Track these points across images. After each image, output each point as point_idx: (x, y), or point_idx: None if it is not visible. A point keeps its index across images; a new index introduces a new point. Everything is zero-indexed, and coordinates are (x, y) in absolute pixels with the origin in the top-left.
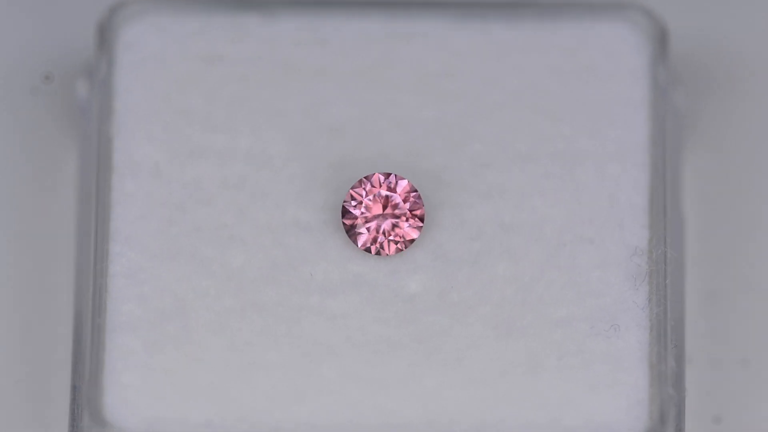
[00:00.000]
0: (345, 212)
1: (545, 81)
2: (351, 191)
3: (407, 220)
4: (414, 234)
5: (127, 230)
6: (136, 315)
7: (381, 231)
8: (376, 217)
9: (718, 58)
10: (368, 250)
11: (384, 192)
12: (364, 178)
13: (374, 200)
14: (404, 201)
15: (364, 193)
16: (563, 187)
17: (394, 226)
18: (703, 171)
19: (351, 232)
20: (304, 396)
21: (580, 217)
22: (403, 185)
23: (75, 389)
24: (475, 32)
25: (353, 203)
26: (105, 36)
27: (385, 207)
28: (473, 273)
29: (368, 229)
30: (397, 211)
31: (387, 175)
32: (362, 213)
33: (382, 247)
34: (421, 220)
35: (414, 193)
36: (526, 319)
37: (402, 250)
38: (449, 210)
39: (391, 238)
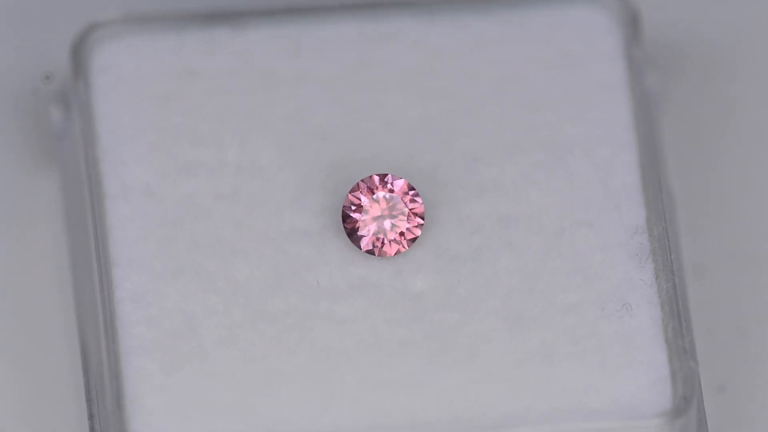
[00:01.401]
0: (345, 217)
1: (524, 71)
2: (349, 195)
3: (408, 219)
4: (416, 232)
5: (128, 253)
6: (148, 338)
7: (382, 232)
8: (376, 218)
9: (687, 38)
10: (371, 252)
11: (383, 193)
12: (361, 181)
13: (373, 202)
14: (403, 200)
15: (362, 196)
16: (555, 175)
17: (394, 225)
18: (681, 149)
19: (353, 235)
20: (327, 403)
21: (576, 203)
22: (400, 185)
23: (92, 418)
24: (447, 28)
25: (353, 207)
26: (79, 61)
27: (384, 208)
28: (477, 267)
29: (369, 231)
30: (395, 211)
31: (384, 176)
32: (362, 216)
33: (389, 248)
34: (422, 218)
35: (412, 192)
36: (536, 308)
37: (405, 249)
38: (446, 207)
39: (392, 238)
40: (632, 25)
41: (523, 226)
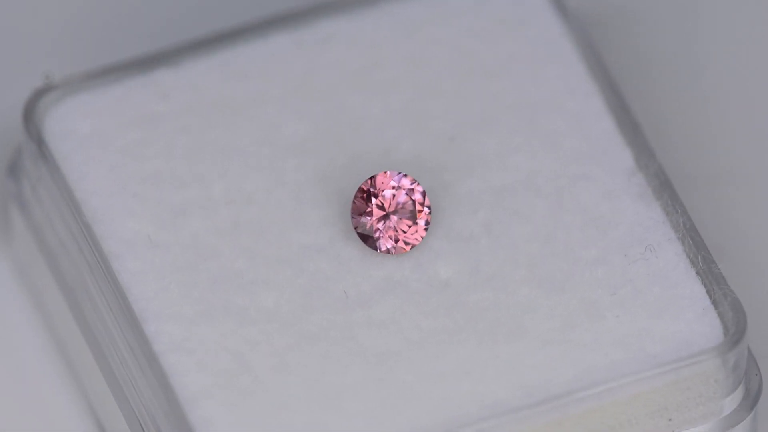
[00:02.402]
0: (356, 223)
1: (464, 44)
2: (355, 200)
3: (416, 210)
4: (427, 220)
5: (153, 307)
6: (204, 383)
7: (395, 229)
8: (385, 217)
9: None
10: (388, 251)
11: (389, 191)
12: (362, 185)
13: (378, 202)
14: (406, 193)
15: (366, 200)
16: (533, 137)
17: (403, 220)
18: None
19: (368, 240)
20: (395, 406)
21: (563, 159)
22: (399, 179)
23: None
24: (377, 20)
25: (360, 212)
26: (33, 132)
27: (390, 205)
28: (492, 242)
29: (383, 231)
30: (401, 206)
31: (383, 174)
32: (372, 218)
33: (405, 243)
34: (428, 207)
35: (414, 184)
36: (563, 268)
37: (420, 241)
38: (440, 191)
39: (405, 231)
40: None
41: (522, 192)
